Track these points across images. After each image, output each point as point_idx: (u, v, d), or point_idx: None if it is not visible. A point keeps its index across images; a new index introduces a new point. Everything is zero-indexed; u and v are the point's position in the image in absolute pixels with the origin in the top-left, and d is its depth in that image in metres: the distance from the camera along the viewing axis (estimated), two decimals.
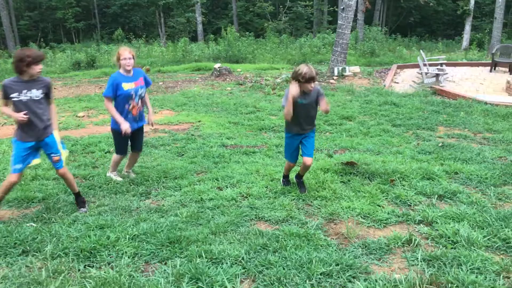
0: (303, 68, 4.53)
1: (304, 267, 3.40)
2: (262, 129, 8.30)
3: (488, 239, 3.84)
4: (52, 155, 4.55)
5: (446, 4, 30.05)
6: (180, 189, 5.24)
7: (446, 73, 13.09)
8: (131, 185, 5.42)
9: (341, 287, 3.22)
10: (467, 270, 3.33)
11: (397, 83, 13.29)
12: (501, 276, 3.27)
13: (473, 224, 4.13)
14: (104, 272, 3.37)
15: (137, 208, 4.73)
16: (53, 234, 4.02)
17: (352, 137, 7.55)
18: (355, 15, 20.72)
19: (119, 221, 4.30)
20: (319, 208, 4.60)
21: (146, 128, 8.40)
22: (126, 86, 5.23)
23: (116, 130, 5.35)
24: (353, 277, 3.31)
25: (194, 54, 20.98)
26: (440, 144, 6.90)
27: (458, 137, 7.47)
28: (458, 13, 25.34)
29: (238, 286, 3.23)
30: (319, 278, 3.29)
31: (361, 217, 4.38)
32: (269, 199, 4.84)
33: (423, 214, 4.35)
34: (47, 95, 4.42)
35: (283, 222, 4.30)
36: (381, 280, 3.22)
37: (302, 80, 4.52)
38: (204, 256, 3.56)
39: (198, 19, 30.06)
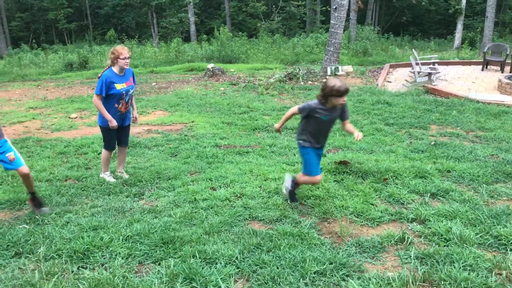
0: (336, 82, 4.14)
1: (298, 266, 3.41)
2: (255, 129, 8.30)
3: (480, 236, 3.87)
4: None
5: (438, 3, 30.21)
6: (174, 190, 5.23)
7: (439, 72, 13.16)
8: (124, 186, 5.40)
9: (334, 285, 3.23)
10: (460, 267, 3.36)
11: (390, 82, 13.34)
12: (493, 273, 3.29)
13: (465, 222, 4.16)
14: (98, 273, 3.36)
15: (131, 209, 4.72)
16: (46, 236, 4.00)
17: (345, 136, 7.56)
18: (348, 15, 20.79)
19: (112, 222, 4.29)
20: (313, 207, 4.62)
21: (139, 129, 8.40)
22: (119, 86, 5.25)
23: (103, 127, 5.42)
24: (347, 276, 3.33)
25: (187, 55, 20.95)
26: (432, 143, 6.93)
27: (450, 135, 7.51)
28: (450, 12, 25.47)
29: (232, 286, 3.23)
30: (313, 277, 3.30)
31: (355, 215, 4.40)
32: (262, 198, 4.85)
33: (416, 212, 4.38)
34: None
35: (276, 221, 4.30)
36: (375, 278, 3.24)
37: (338, 95, 4.15)
38: (198, 256, 3.56)
39: (191, 19, 30.02)
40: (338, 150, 6.78)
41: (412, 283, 3.17)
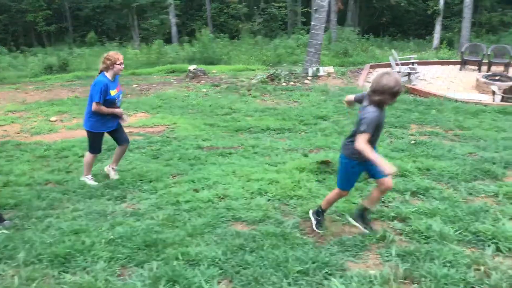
0: (390, 79, 3.60)
1: (280, 266, 3.43)
2: (238, 130, 8.31)
3: (459, 233, 3.94)
4: None
5: (417, 4, 30.56)
6: (156, 192, 5.21)
7: (418, 72, 13.33)
8: (106, 189, 5.36)
9: (317, 284, 3.26)
10: (440, 264, 3.41)
11: (370, 82, 13.47)
12: (472, 269, 3.36)
13: (445, 219, 4.23)
14: (80, 278, 3.34)
15: (113, 212, 4.69)
16: (26, 241, 3.95)
17: (327, 136, 7.62)
18: (328, 16, 20.92)
19: (94, 226, 4.26)
20: (295, 207, 4.64)
21: None
22: (113, 92, 5.30)
23: (93, 132, 5.40)
24: (329, 274, 3.36)
25: (168, 56, 20.84)
26: (412, 142, 7.03)
27: (430, 134, 7.63)
28: (428, 13, 25.80)
29: (216, 287, 3.23)
30: (296, 276, 3.32)
31: (337, 215, 4.44)
32: (245, 199, 4.86)
33: (396, 211, 4.44)
34: None
35: (259, 222, 4.32)
36: (357, 277, 3.28)
37: (397, 92, 3.65)
38: (181, 258, 3.56)
39: (172, 21, 29.87)
40: (320, 150, 6.83)
41: (394, 280, 3.21)
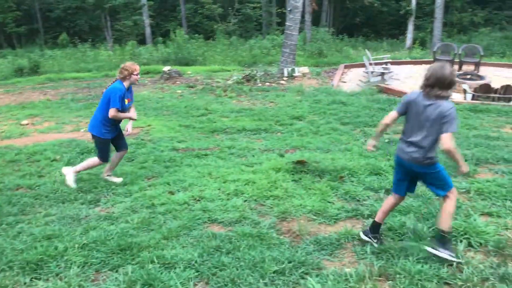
0: (445, 69, 3.55)
1: (257, 267, 3.43)
2: (214, 131, 8.28)
3: (432, 229, 4.01)
4: None
5: (390, 4, 30.97)
6: (131, 195, 5.15)
7: (391, 72, 13.52)
8: (79, 193, 5.27)
9: (294, 284, 3.27)
10: (414, 261, 3.46)
11: (345, 82, 13.60)
12: (445, 264, 3.42)
13: (418, 216, 4.30)
14: (52, 284, 3.27)
15: (86, 216, 4.61)
16: None
17: (303, 136, 7.66)
18: (303, 17, 21.04)
19: (67, 231, 4.18)
20: (272, 208, 4.65)
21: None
22: (126, 101, 5.37)
23: (103, 139, 5.41)
24: (306, 274, 3.37)
25: (142, 57, 20.60)
26: (386, 140, 7.12)
27: None
28: (401, 13, 26.21)
29: None
30: (272, 277, 3.32)
31: (313, 214, 4.46)
32: (222, 201, 4.84)
33: (371, 209, 4.49)
34: None
35: (236, 223, 4.31)
36: (332, 275, 3.30)
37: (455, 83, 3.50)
38: (156, 261, 3.53)
39: (146, 21, 29.57)
40: (296, 150, 6.86)
41: (369, 277, 3.25)
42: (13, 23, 32.77)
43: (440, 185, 3.61)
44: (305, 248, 3.78)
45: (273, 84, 13.29)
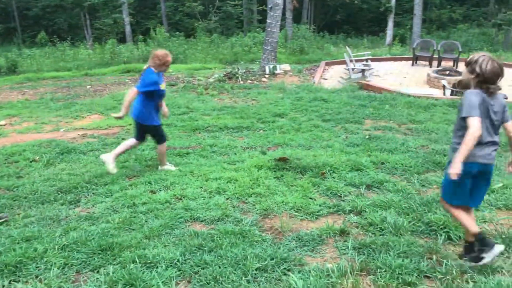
0: (485, 59, 3.16)
1: (239, 264, 3.43)
2: (196, 130, 8.24)
3: (413, 224, 4.06)
4: None
5: (370, 1, 31.22)
6: (111, 195, 5.09)
7: (372, 68, 13.64)
8: (59, 194, 5.20)
9: (276, 280, 3.28)
10: (395, 255, 3.50)
11: (326, 79, 13.68)
12: (425, 258, 3.47)
13: (399, 211, 4.34)
14: (32, 286, 3.22)
15: (66, 217, 4.56)
16: None
17: (285, 134, 7.68)
18: (284, 14, 21.08)
19: (47, 232, 4.12)
20: (254, 205, 4.65)
21: (74, 134, 8.12)
22: (162, 86, 5.70)
23: (157, 125, 5.76)
24: (288, 270, 3.38)
25: (123, 56, 20.41)
26: (367, 137, 7.18)
27: (384, 129, 7.82)
28: (381, 10, 26.44)
29: None
30: (255, 274, 3.32)
31: (295, 210, 4.48)
32: (204, 199, 4.82)
33: (352, 204, 4.52)
34: None
35: (218, 221, 4.30)
36: (315, 271, 3.31)
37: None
38: (138, 261, 3.49)
39: (126, 20, 29.26)
40: (278, 147, 6.87)
41: (350, 272, 3.27)
42: None
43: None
44: (287, 244, 3.79)
45: (255, 82, 13.29)
